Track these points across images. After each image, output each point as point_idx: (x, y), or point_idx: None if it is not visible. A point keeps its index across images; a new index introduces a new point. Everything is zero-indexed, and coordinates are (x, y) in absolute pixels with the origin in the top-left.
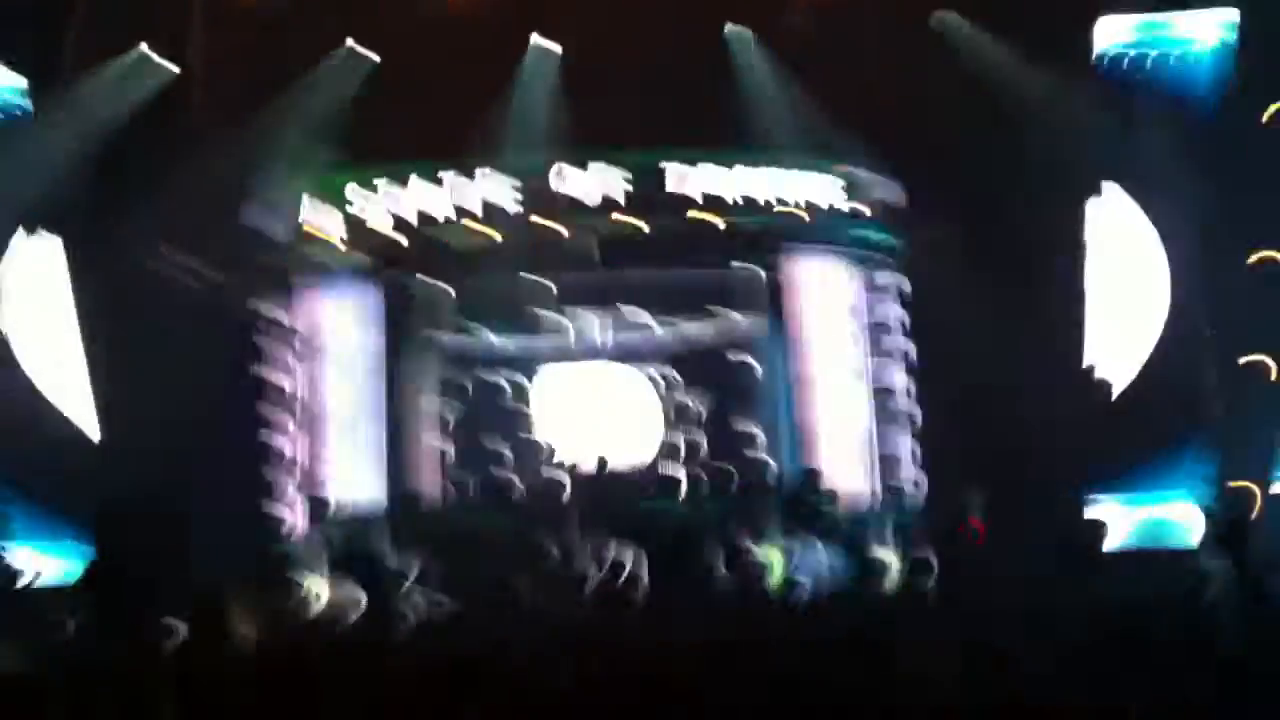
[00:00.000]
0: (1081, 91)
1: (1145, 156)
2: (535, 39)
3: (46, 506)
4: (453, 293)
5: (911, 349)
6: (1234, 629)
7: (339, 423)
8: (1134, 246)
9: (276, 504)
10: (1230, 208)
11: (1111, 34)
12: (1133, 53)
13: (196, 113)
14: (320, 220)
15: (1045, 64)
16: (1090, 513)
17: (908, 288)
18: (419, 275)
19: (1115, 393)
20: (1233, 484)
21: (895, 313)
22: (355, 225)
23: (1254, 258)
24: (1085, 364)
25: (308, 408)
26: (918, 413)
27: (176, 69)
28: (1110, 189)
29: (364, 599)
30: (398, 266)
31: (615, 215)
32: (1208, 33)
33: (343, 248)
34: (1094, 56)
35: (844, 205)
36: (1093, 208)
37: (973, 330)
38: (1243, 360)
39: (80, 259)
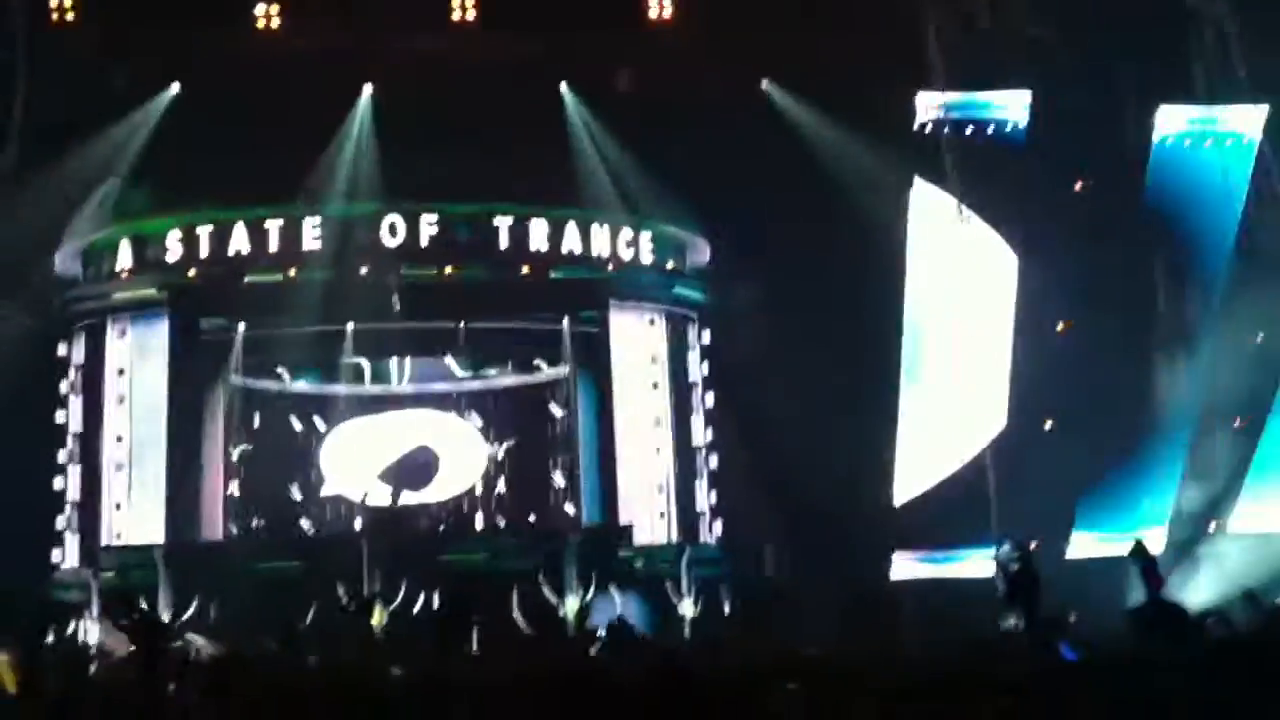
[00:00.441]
0: (900, 158)
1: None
2: (368, 88)
3: None
4: (251, 333)
5: (712, 402)
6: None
7: (120, 461)
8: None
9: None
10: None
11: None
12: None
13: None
14: (131, 261)
15: (866, 132)
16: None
17: (709, 342)
18: (220, 316)
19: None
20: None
21: (699, 367)
22: (165, 266)
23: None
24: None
25: (89, 446)
26: (716, 464)
27: None
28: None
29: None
30: (197, 306)
31: (439, 265)
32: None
33: (151, 289)
34: (915, 126)
35: (658, 262)
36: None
37: (775, 388)
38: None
39: None
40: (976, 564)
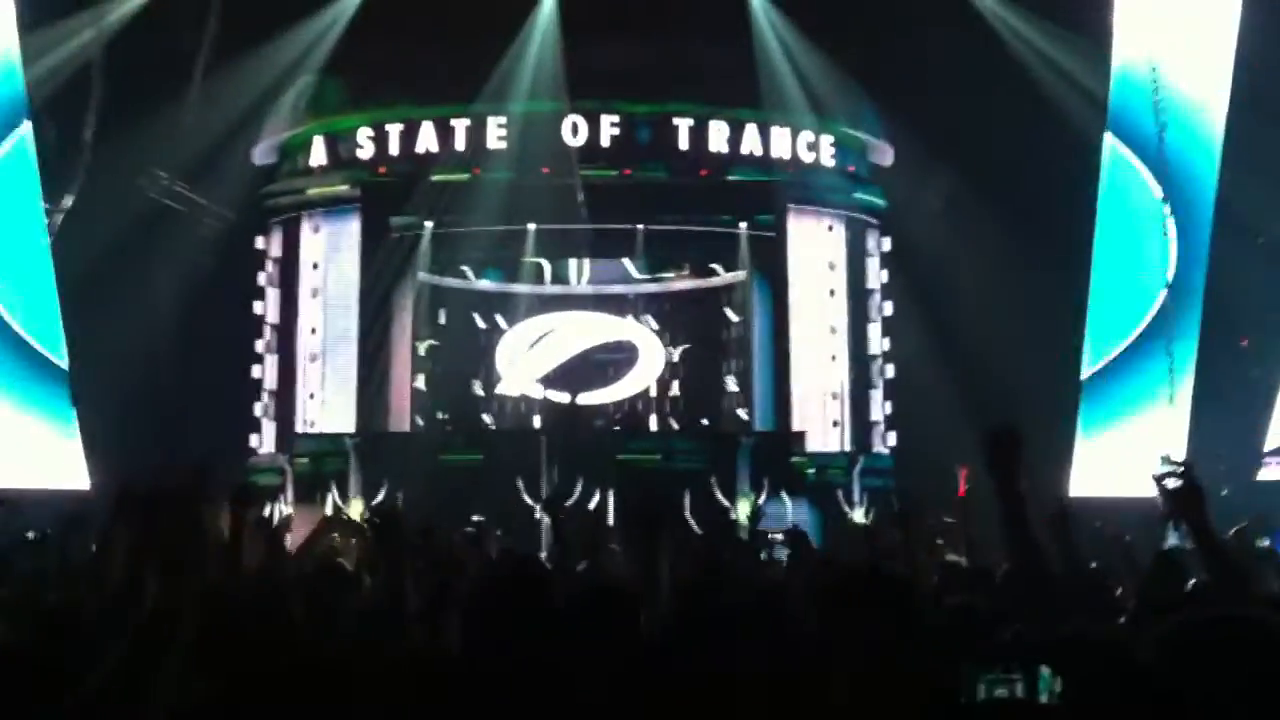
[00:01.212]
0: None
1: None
2: None
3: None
4: (438, 231)
5: (890, 310)
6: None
7: (314, 352)
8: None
9: (251, 429)
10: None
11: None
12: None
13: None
14: (324, 157)
15: (1061, 30)
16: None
17: (889, 249)
18: (409, 213)
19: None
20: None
21: (878, 274)
22: (357, 163)
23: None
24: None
25: (285, 336)
26: (892, 373)
27: None
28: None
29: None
30: (388, 203)
31: (619, 165)
32: None
33: (343, 185)
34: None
35: (839, 166)
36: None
37: (957, 298)
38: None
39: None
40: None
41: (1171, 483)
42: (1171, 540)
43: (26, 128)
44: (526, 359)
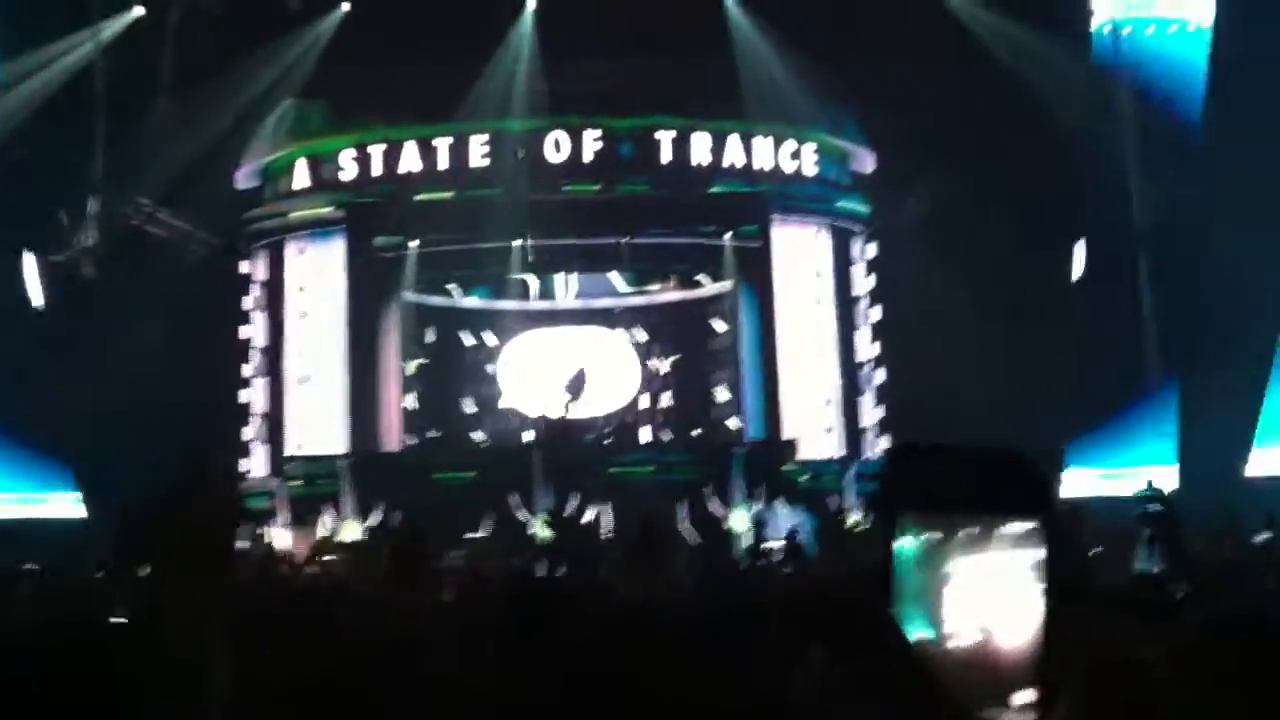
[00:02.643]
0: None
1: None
2: (531, 1)
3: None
4: (422, 250)
5: (877, 316)
6: None
7: (302, 374)
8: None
9: (242, 454)
10: None
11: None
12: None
13: (175, 60)
14: (308, 180)
15: (1043, 32)
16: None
17: (875, 255)
18: (394, 233)
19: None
20: None
21: (864, 280)
22: (340, 185)
23: None
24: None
25: (273, 360)
26: (881, 379)
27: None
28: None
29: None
30: (372, 224)
31: (602, 180)
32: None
33: (327, 207)
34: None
35: (821, 174)
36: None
37: (943, 302)
38: None
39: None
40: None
41: (1153, 508)
42: (1141, 563)
43: None
44: (523, 374)
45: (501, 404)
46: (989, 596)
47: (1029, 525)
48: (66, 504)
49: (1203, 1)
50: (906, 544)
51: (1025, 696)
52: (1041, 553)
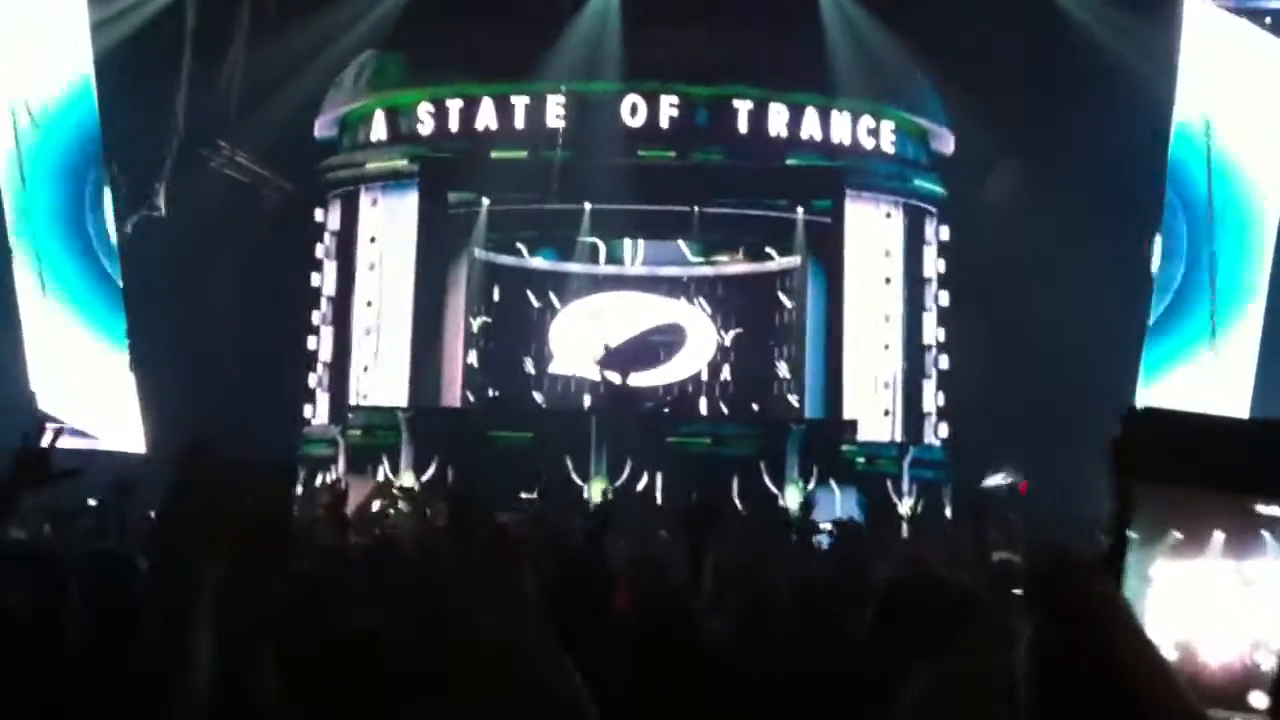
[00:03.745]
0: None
1: None
2: None
3: None
4: (494, 208)
5: (946, 300)
6: None
7: (369, 325)
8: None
9: (306, 400)
10: None
11: None
12: None
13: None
14: (385, 132)
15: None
16: None
17: (948, 238)
18: (467, 190)
19: None
20: None
21: (935, 263)
22: (417, 138)
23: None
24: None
25: (341, 309)
26: (946, 364)
27: None
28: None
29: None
30: (446, 179)
31: (677, 147)
32: None
33: (402, 160)
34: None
35: (898, 152)
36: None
37: (1017, 291)
38: None
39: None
40: None
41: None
42: None
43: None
44: (581, 338)
45: (552, 368)
46: (1239, 595)
47: None
48: (128, 437)
49: None
50: (1141, 526)
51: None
52: None
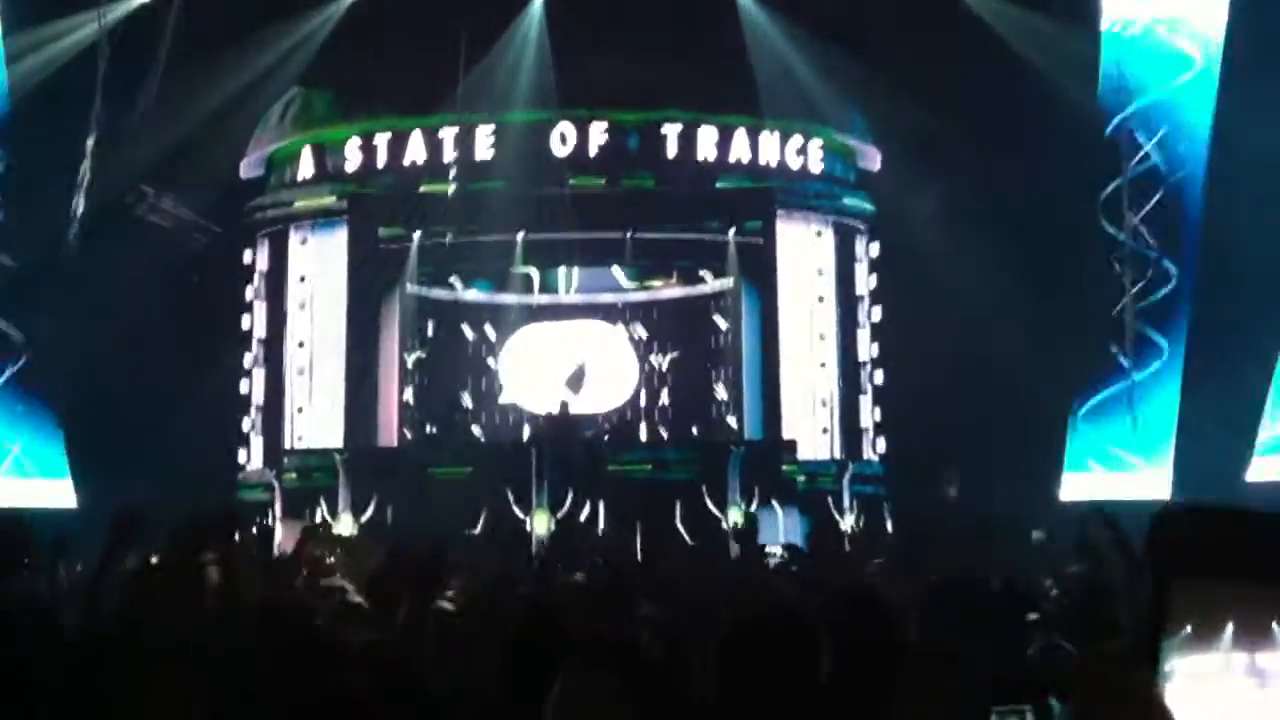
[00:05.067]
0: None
1: None
2: None
3: None
4: (425, 242)
5: (879, 316)
6: None
7: (302, 366)
8: None
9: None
10: None
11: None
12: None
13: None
14: (312, 169)
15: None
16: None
17: (878, 255)
18: (397, 225)
19: None
20: None
21: (867, 280)
22: (345, 175)
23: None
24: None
25: (273, 350)
26: (881, 380)
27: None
28: None
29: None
30: (375, 215)
31: (607, 174)
32: None
33: (331, 197)
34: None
35: (827, 171)
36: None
37: (948, 304)
38: None
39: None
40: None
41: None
42: None
43: None
44: (523, 368)
45: (501, 399)
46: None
47: None
48: (57, 491)
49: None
50: (1182, 622)
51: None
52: None
